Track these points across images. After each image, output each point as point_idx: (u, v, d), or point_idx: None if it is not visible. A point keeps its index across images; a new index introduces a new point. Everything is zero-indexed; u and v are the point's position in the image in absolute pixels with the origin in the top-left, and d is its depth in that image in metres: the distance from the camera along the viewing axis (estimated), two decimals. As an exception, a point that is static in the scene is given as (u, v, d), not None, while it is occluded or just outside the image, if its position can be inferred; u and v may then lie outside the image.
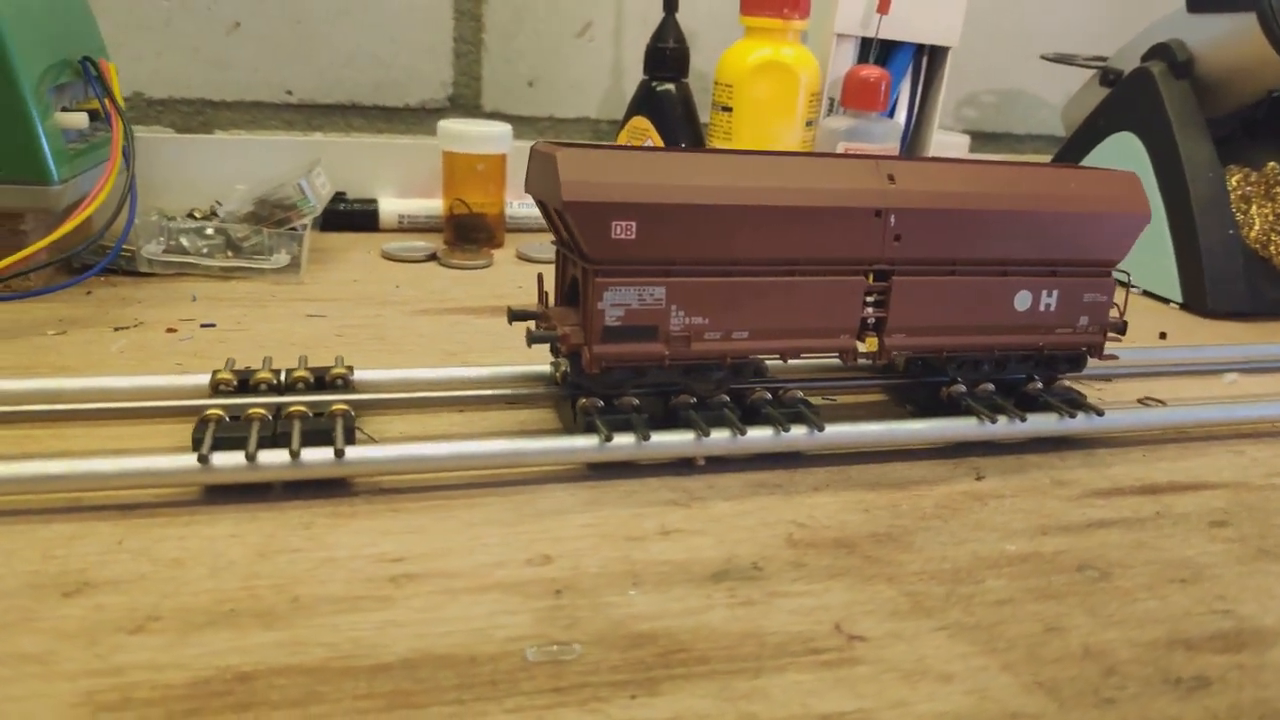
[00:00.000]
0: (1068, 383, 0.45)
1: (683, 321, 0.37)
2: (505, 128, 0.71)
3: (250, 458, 0.33)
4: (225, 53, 0.78)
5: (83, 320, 0.50)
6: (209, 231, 0.60)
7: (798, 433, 0.39)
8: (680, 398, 0.39)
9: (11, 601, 0.28)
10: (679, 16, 0.72)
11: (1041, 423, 0.42)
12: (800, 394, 0.41)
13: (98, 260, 0.58)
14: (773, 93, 0.66)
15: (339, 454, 0.34)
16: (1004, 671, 0.28)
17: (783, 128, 0.67)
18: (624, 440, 0.37)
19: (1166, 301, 0.69)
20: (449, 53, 0.84)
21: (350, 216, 0.74)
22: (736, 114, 0.67)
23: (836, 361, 0.47)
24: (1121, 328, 0.45)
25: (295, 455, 0.33)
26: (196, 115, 0.79)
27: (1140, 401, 0.49)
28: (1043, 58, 0.85)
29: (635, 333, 0.37)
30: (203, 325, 0.51)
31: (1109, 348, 0.44)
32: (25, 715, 0.24)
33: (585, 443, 0.37)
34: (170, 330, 0.50)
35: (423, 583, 0.30)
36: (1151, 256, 0.69)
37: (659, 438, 0.37)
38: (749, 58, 0.66)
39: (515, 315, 0.40)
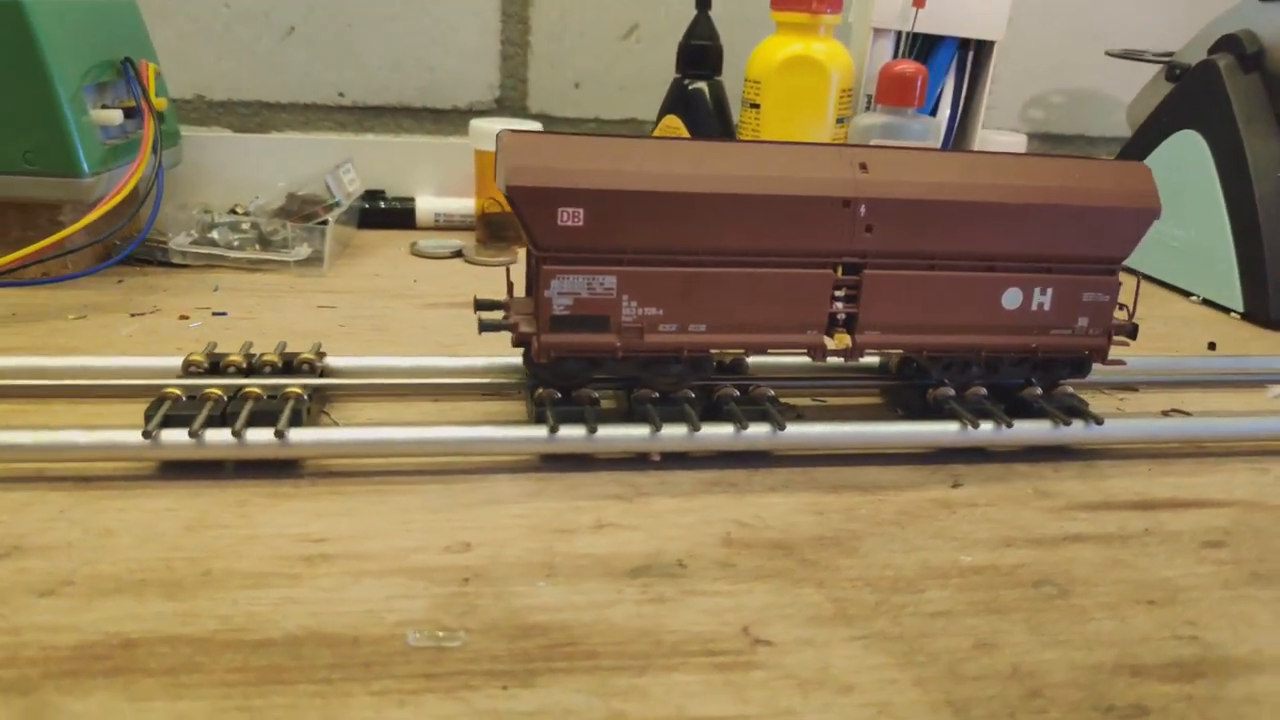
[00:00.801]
0: (1070, 388, 0.42)
1: (635, 312, 0.36)
2: (536, 127, 0.71)
3: (193, 435, 0.34)
4: (280, 57, 0.81)
5: (105, 306, 0.53)
6: (244, 226, 0.63)
7: (758, 431, 0.37)
8: (642, 391, 0.39)
9: (-58, 562, 0.29)
10: (715, 14, 0.71)
11: (1031, 430, 0.39)
12: (771, 392, 0.40)
13: (144, 252, 0.60)
14: (801, 89, 0.64)
15: (278, 434, 0.34)
16: (914, 686, 0.26)
17: (811, 125, 0.65)
18: (572, 432, 0.36)
19: (1227, 311, 0.64)
20: (496, 55, 0.85)
21: (388, 214, 0.76)
22: (764, 111, 0.65)
23: (830, 361, 0.46)
24: (1131, 331, 0.42)
25: (238, 435, 0.34)
26: (254, 116, 0.82)
27: (1164, 413, 0.46)
28: (1108, 54, 0.81)
29: (585, 322, 0.36)
30: (214, 314, 0.53)
31: (1118, 352, 0.41)
32: (-85, 668, 0.24)
33: (532, 433, 0.36)
34: (183, 317, 0.52)
35: (335, 563, 0.30)
36: (1211, 262, 0.64)
37: (609, 431, 0.37)
38: (777, 53, 0.64)
39: (480, 305, 0.39)
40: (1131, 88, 0.93)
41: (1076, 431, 0.40)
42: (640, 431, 0.37)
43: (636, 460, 0.38)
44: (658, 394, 0.39)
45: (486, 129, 0.70)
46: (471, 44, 0.83)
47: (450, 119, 0.86)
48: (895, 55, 0.68)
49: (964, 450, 0.40)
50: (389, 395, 0.42)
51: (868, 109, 0.69)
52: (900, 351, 0.41)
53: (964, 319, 0.39)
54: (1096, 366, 0.41)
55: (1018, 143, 0.80)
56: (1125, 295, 0.42)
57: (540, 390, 0.38)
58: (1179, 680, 0.27)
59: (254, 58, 0.81)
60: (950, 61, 0.69)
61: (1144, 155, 0.71)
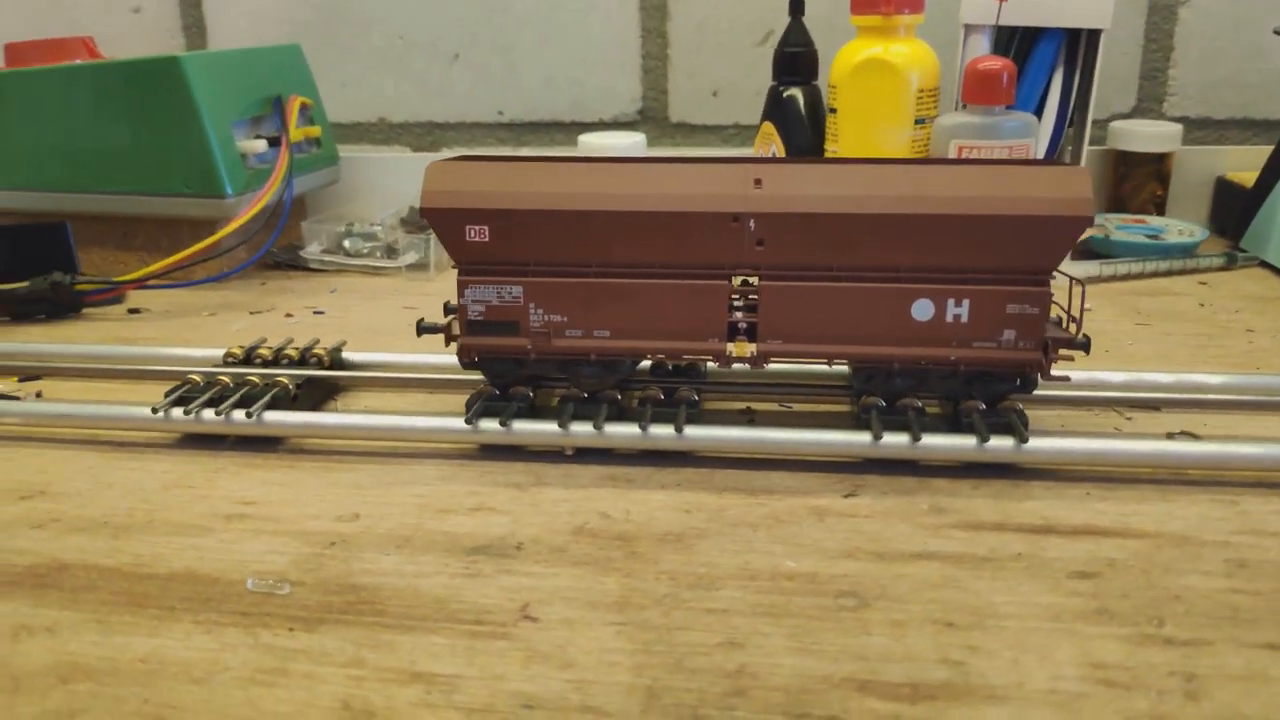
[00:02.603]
0: (1018, 403, 0.40)
1: (542, 319, 0.40)
2: (639, 137, 0.75)
3: (188, 413, 0.42)
4: (448, 81, 0.91)
5: (236, 305, 0.64)
6: (376, 235, 0.73)
7: (660, 432, 0.40)
8: (571, 391, 0.42)
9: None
10: (813, 19, 0.71)
11: (943, 444, 0.38)
12: (694, 397, 0.42)
13: (282, 258, 0.72)
14: (876, 92, 0.63)
15: (249, 415, 0.42)
16: (630, 671, 0.28)
17: (887, 128, 0.64)
18: (490, 425, 0.41)
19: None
20: (637, 69, 0.90)
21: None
22: (840, 115, 0.65)
23: (805, 369, 0.46)
24: (1084, 345, 0.39)
25: (221, 414, 0.42)
26: (427, 136, 0.94)
27: (1169, 435, 0.42)
28: (1276, 32, 0.70)
29: (498, 327, 0.40)
30: (314, 312, 0.62)
31: (1063, 368, 0.39)
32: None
33: (455, 425, 0.41)
34: (287, 315, 0.62)
35: (246, 522, 0.37)
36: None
37: (524, 425, 0.41)
38: (852, 58, 0.64)
39: (449, 309, 0.45)
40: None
41: (998, 449, 0.38)
42: (549, 427, 0.40)
43: (556, 454, 0.42)
44: (586, 394, 0.42)
45: (595, 144, 0.75)
46: (614, 60, 0.89)
47: (596, 131, 0.92)
48: (991, 52, 0.65)
49: (899, 462, 0.40)
50: (391, 387, 0.49)
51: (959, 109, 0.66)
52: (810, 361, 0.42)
53: (872, 330, 0.39)
54: (1104, 380, 0.39)
55: (1168, 133, 0.72)
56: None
57: (484, 387, 0.43)
58: (900, 700, 0.27)
59: (425, 83, 0.91)
60: (1055, 54, 0.64)
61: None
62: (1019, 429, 0.38)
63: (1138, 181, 0.73)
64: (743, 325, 0.39)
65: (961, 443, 0.38)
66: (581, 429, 0.40)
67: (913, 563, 0.33)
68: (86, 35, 0.73)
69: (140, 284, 0.62)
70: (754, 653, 0.29)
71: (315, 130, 0.74)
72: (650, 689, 0.27)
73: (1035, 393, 0.44)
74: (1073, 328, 0.39)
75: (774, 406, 0.46)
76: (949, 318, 0.38)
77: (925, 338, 0.38)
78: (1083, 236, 0.66)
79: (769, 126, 0.72)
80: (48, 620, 0.31)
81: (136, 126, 0.65)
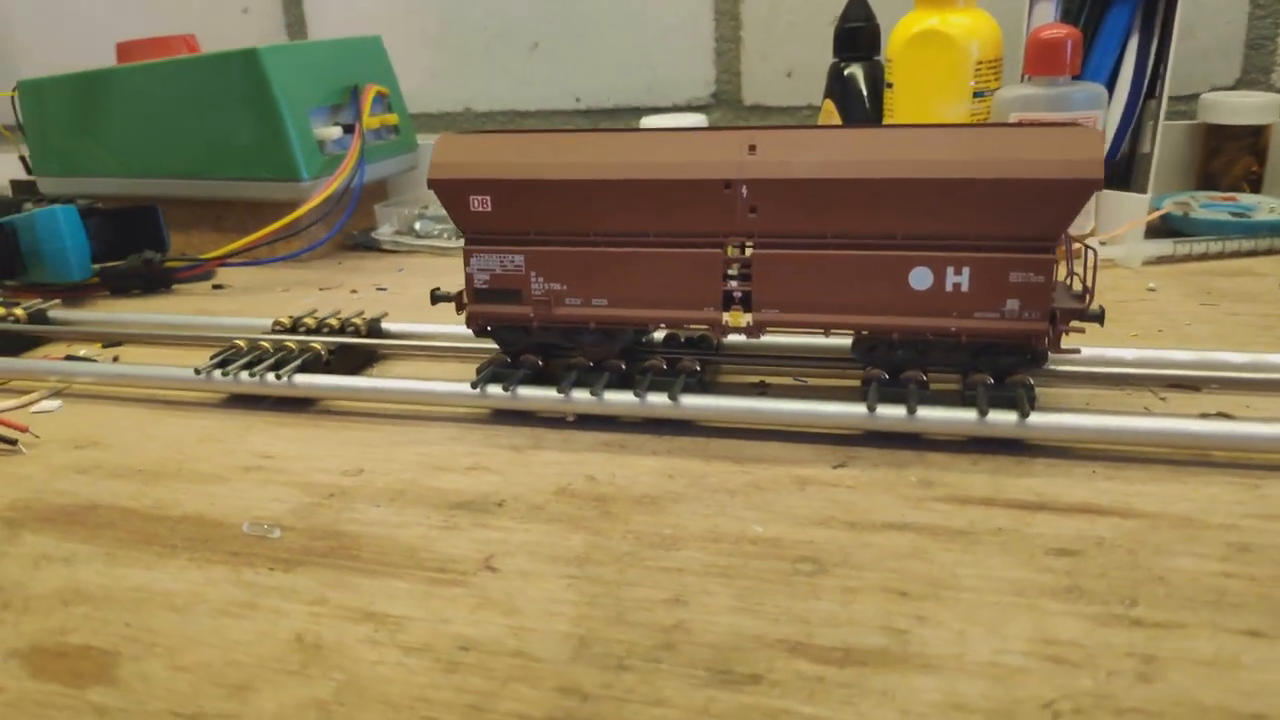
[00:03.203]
0: (1029, 378, 0.38)
1: (543, 287, 0.41)
2: (699, 119, 0.75)
3: (226, 374, 0.45)
4: (527, 70, 0.93)
5: (309, 282, 0.68)
6: (447, 218, 0.75)
7: (656, 400, 0.40)
8: (576, 360, 0.43)
9: (44, 445, 0.43)
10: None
11: (936, 417, 0.37)
12: (696, 367, 0.42)
13: (358, 239, 0.76)
14: (931, 65, 0.61)
15: (279, 377, 0.44)
16: (571, 621, 0.29)
17: (944, 101, 0.61)
18: (495, 390, 0.42)
19: None
20: (710, 52, 0.89)
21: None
22: (895, 90, 0.63)
23: (822, 342, 0.46)
24: (1097, 316, 0.37)
25: (254, 375, 0.45)
26: (509, 123, 0.96)
27: (1202, 415, 0.39)
28: None
29: (501, 295, 0.41)
30: (378, 289, 0.65)
31: (1073, 340, 0.37)
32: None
33: (461, 389, 0.42)
34: (352, 291, 0.65)
35: (260, 474, 0.39)
36: None
37: (529, 391, 0.42)
38: (909, 30, 0.62)
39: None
40: None
41: (999, 423, 0.37)
42: (550, 393, 0.41)
43: (561, 420, 0.42)
44: (592, 363, 0.43)
45: (655, 124, 0.76)
46: (687, 44, 0.89)
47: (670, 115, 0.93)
48: (1061, 19, 0.62)
49: (899, 436, 0.39)
50: (426, 356, 0.51)
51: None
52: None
53: (868, 299, 0.38)
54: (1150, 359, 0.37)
55: (1267, 104, 0.67)
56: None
57: (496, 354, 0.44)
58: (829, 664, 0.26)
59: (507, 72, 0.94)
60: (1129, 20, 0.61)
61: None
62: (1022, 403, 0.37)
63: (1230, 157, 0.68)
64: (737, 294, 0.39)
65: (960, 416, 0.37)
66: (582, 396, 0.41)
67: (883, 533, 0.33)
68: (189, 34, 0.79)
69: (221, 261, 0.67)
70: (695, 610, 0.29)
71: (392, 118, 0.78)
72: (584, 638, 0.28)
73: (1061, 369, 0.43)
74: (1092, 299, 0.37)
75: (789, 380, 0.46)
76: (948, 286, 0.37)
77: (924, 307, 0.37)
78: (1157, 214, 0.63)
79: (829, 105, 0.71)
80: (66, 552, 0.34)
81: (223, 116, 0.70)
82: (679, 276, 0.39)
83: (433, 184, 0.40)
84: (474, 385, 0.42)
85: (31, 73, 0.80)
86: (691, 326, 0.41)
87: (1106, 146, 0.63)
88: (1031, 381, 0.39)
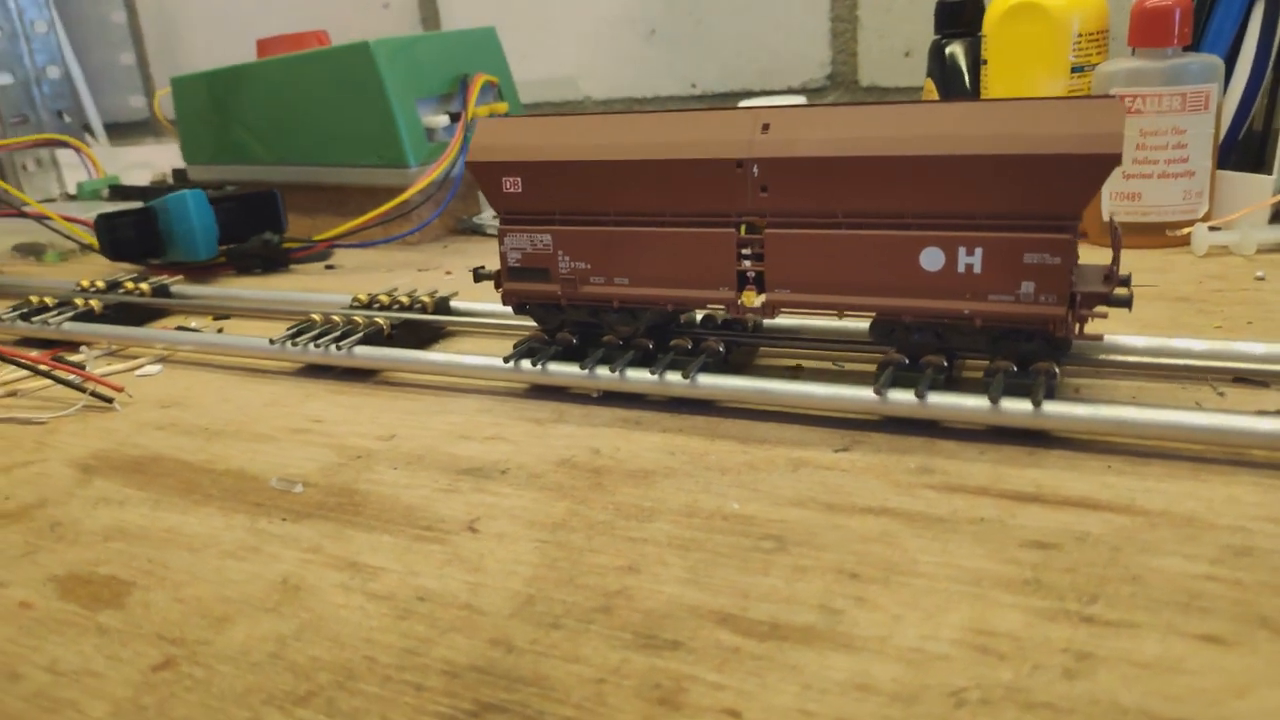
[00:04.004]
0: (1054, 366, 0.36)
1: (569, 265, 0.42)
2: (798, 100, 0.74)
3: (294, 344, 0.49)
4: (644, 56, 0.95)
5: (411, 264, 0.72)
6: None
7: (673, 379, 0.41)
8: (607, 337, 0.44)
9: (136, 404, 0.48)
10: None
11: (947, 404, 0.36)
12: (720, 348, 0.42)
13: (466, 225, 0.80)
14: (1026, 39, 0.58)
15: (339, 348, 0.48)
16: (525, 581, 0.30)
17: (1040, 77, 0.58)
18: (525, 365, 0.44)
19: None
20: (826, 33, 0.88)
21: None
22: (990, 66, 0.60)
23: (861, 327, 0.45)
24: (1124, 301, 0.34)
25: (320, 347, 0.48)
26: (626, 111, 0.98)
27: (1259, 412, 0.36)
28: None
29: (532, 274, 0.43)
30: (470, 270, 0.68)
31: (1096, 326, 0.35)
32: (75, 446, 0.43)
33: (495, 363, 0.44)
34: (447, 273, 0.68)
35: (305, 435, 0.43)
36: None
37: (557, 367, 0.43)
38: (1004, 2, 0.59)
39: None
40: None
41: (1011, 412, 0.35)
42: (578, 370, 0.43)
43: (586, 396, 0.44)
44: (621, 341, 0.44)
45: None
46: (803, 25, 0.88)
47: (785, 98, 0.91)
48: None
49: (914, 422, 0.38)
50: (489, 333, 0.53)
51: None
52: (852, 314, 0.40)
53: (879, 280, 0.37)
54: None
55: None
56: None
57: (534, 331, 0.46)
58: (751, 636, 0.26)
59: (624, 59, 0.96)
60: (1252, -16, 0.56)
61: None
62: (1037, 391, 0.35)
63: (1377, 132, 0.60)
64: (751, 274, 0.39)
65: (972, 403, 0.36)
66: (605, 373, 0.42)
67: (858, 516, 0.32)
68: (321, 30, 0.85)
69: (332, 243, 0.72)
70: (644, 578, 0.30)
71: (501, 106, 0.81)
72: (531, 597, 0.29)
73: (1114, 359, 0.40)
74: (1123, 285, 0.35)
75: (828, 365, 0.45)
76: (960, 268, 0.36)
77: (936, 289, 0.36)
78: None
79: (929, 84, 0.68)
80: (123, 496, 0.38)
81: (340, 106, 0.75)
82: (694, 256, 0.40)
83: (469, 166, 0.43)
84: (506, 360, 0.44)
85: (198, 69, 0.88)
86: (711, 306, 0.41)
87: (1227, 124, 0.58)
88: (1056, 370, 0.36)
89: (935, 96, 0.67)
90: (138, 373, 0.53)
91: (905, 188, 0.35)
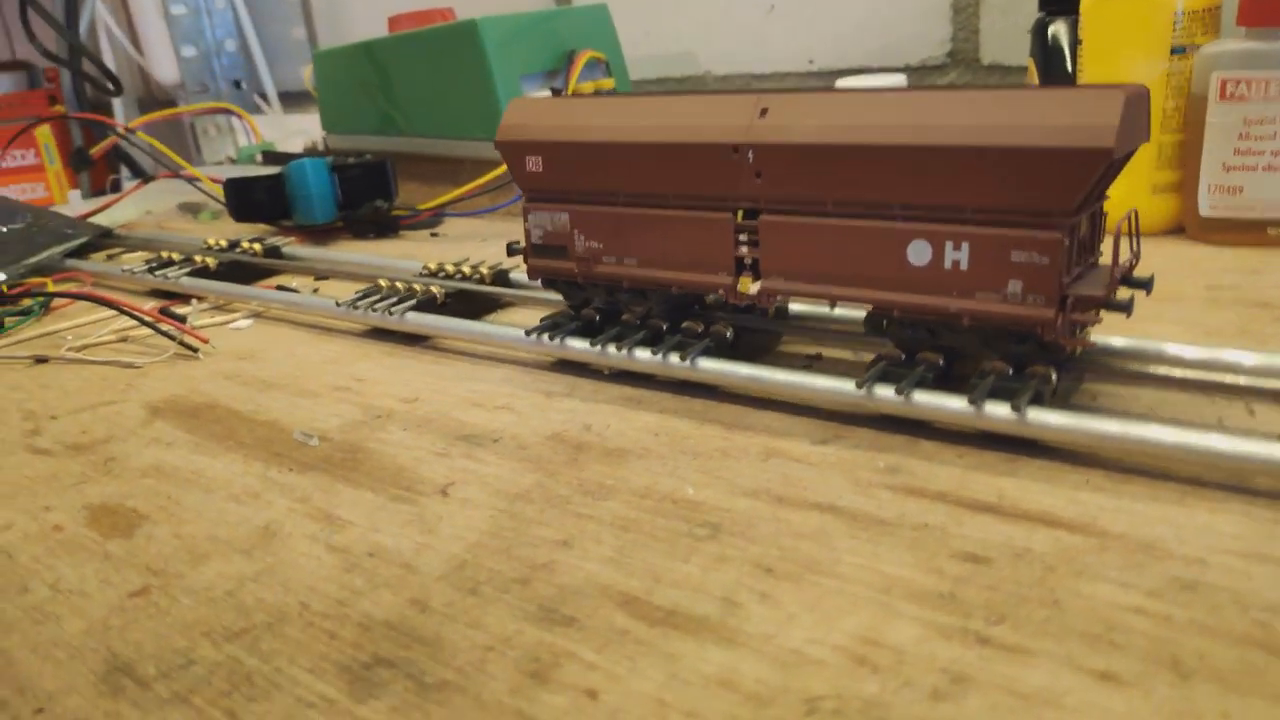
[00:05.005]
0: (1050, 371, 0.34)
1: (584, 244, 0.43)
2: (898, 78, 0.71)
3: (354, 307, 0.52)
4: (763, 32, 0.93)
5: (507, 234, 0.75)
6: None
7: (675, 361, 0.41)
8: (625, 315, 0.45)
9: (216, 355, 0.53)
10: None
11: (929, 403, 0.34)
12: (728, 333, 0.42)
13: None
14: (1121, 17, 0.53)
15: (390, 313, 0.51)
16: (466, 547, 0.32)
17: (1135, 59, 0.53)
18: (544, 339, 0.45)
19: None
20: (947, 8, 0.84)
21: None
22: (1085, 46, 0.56)
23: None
24: (1122, 306, 0.32)
25: (376, 311, 0.52)
26: (745, 87, 0.97)
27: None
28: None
29: (553, 251, 0.44)
30: (553, 242, 0.70)
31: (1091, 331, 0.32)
32: (174, 381, 0.48)
33: (514, 334, 0.46)
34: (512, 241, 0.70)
35: (343, 394, 0.46)
36: None
37: (574, 343, 0.44)
38: (1105, -24, 0.54)
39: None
40: None
41: (993, 416, 0.33)
42: (583, 345, 0.44)
43: (600, 372, 0.45)
44: (638, 320, 0.44)
45: (851, 86, 0.73)
46: (924, 1, 0.84)
47: (904, 76, 0.88)
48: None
49: (907, 421, 0.37)
50: (544, 305, 0.55)
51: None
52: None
53: (868, 272, 0.36)
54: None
55: None
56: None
57: (563, 306, 0.47)
58: (643, 620, 0.27)
59: (745, 35, 0.94)
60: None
61: None
62: (1020, 397, 0.33)
63: None
64: (748, 261, 0.39)
65: (954, 405, 0.34)
66: (613, 352, 0.43)
67: (803, 511, 0.32)
68: (447, 7, 0.88)
69: (435, 212, 0.76)
70: (573, 554, 0.31)
71: (607, 83, 0.82)
72: (465, 562, 0.31)
73: (1146, 370, 0.37)
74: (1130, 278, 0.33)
75: (848, 355, 0.44)
76: (947, 263, 0.34)
77: (923, 284, 0.35)
78: None
79: (1031, 65, 0.64)
80: (173, 438, 0.43)
81: (452, 80, 0.78)
82: (695, 240, 0.40)
83: (498, 145, 0.44)
84: (528, 333, 0.46)
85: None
86: (721, 291, 0.41)
87: (1364, 108, 0.52)
88: (1052, 375, 0.34)
89: (1035, 79, 0.63)
90: (230, 326, 0.58)
91: (891, 177, 0.34)
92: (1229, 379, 0.36)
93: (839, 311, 0.44)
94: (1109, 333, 0.38)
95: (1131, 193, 0.57)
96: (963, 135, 0.32)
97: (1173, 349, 0.37)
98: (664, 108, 0.40)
